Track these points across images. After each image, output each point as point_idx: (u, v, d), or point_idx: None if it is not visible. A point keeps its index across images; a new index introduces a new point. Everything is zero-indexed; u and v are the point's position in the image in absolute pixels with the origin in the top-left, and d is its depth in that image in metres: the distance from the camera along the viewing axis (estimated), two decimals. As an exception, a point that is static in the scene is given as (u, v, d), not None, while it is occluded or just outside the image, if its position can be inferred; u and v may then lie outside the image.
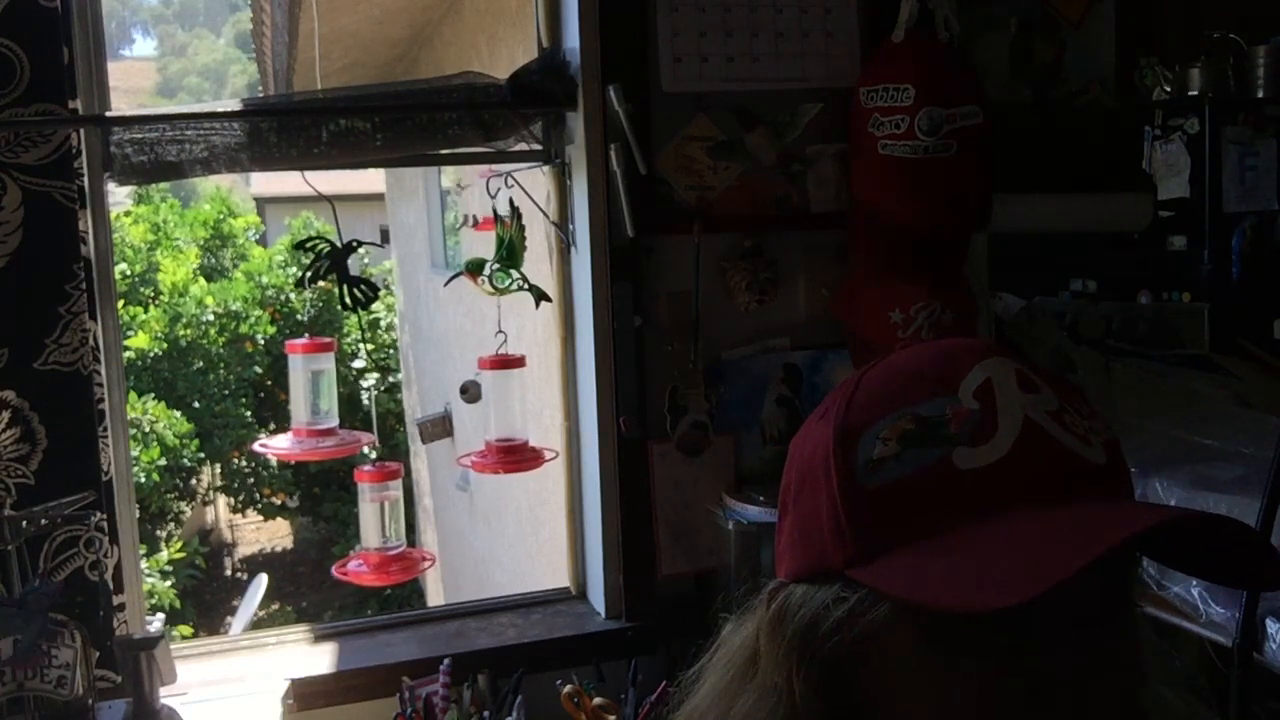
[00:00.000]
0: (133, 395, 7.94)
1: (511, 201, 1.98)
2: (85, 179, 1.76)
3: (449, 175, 6.29)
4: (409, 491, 8.20)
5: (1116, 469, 0.61)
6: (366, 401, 8.72)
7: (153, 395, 8.50)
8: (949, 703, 0.60)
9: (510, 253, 1.96)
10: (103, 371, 1.78)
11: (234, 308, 9.48)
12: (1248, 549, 0.61)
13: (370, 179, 9.78)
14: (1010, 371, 0.62)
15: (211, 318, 9.37)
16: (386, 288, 9.90)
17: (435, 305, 6.83)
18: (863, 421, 0.63)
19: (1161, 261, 2.50)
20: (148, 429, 8.13)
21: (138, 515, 1.96)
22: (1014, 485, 0.59)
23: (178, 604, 7.53)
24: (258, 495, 10.08)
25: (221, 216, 10.78)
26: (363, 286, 1.89)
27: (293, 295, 9.77)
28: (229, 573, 11.45)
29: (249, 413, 9.62)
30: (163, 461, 8.26)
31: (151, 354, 9.02)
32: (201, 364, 9.29)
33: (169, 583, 7.45)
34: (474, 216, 2.14)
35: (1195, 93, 2.48)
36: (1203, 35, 2.53)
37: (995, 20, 2.32)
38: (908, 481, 0.60)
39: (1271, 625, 1.38)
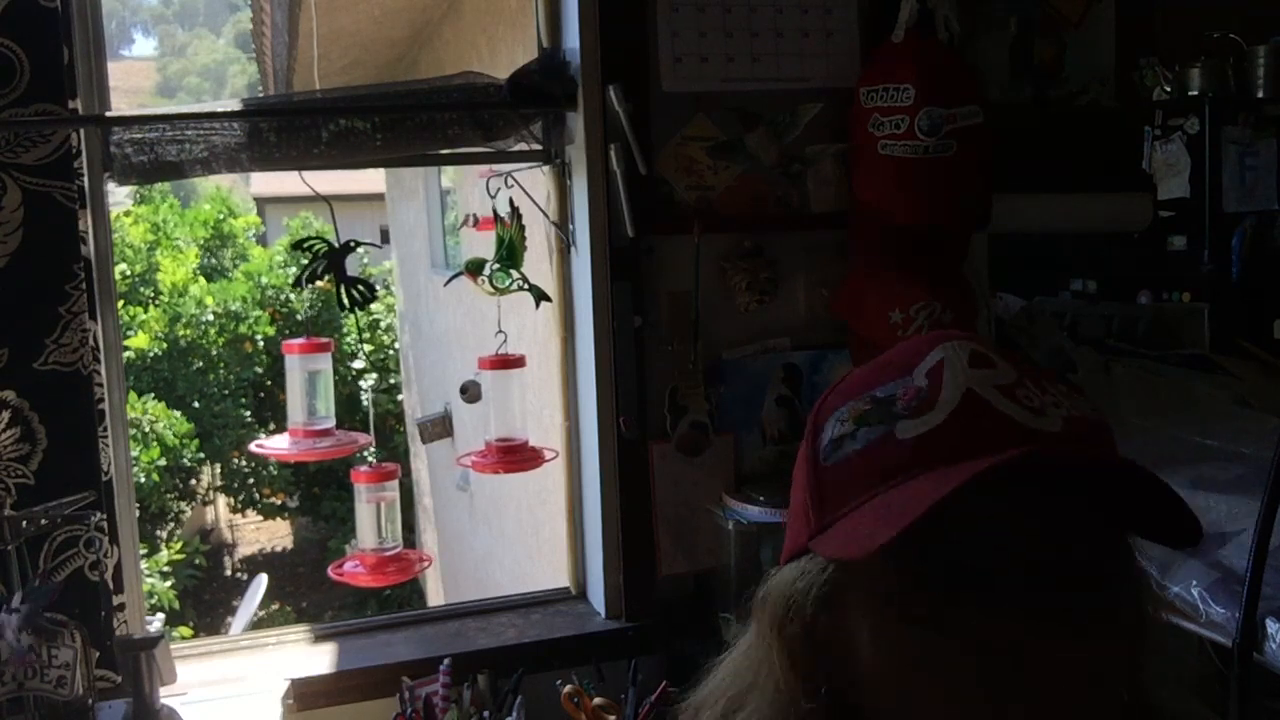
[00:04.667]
0: (133, 395, 7.93)
1: (511, 201, 1.98)
2: (85, 179, 1.76)
3: (449, 175, 6.29)
4: (409, 492, 8.19)
5: (1073, 441, 0.61)
6: (366, 402, 8.72)
7: (153, 395, 8.49)
8: (889, 662, 0.62)
9: (510, 253, 1.96)
10: (103, 371, 1.78)
11: (234, 308, 9.47)
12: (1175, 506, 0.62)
13: (370, 179, 9.77)
14: (965, 351, 0.64)
15: (211, 318, 9.36)
16: (386, 288, 9.90)
17: (435, 305, 6.82)
18: (832, 408, 0.68)
19: (1161, 261, 2.49)
20: (148, 429, 8.13)
21: (138, 515, 1.96)
22: (943, 448, 0.61)
23: (177, 605, 7.52)
24: (258, 495, 10.07)
25: (221, 216, 10.77)
26: (360, 287, 1.89)
27: (292, 295, 9.77)
28: (229, 573, 11.44)
29: (249, 413, 9.61)
30: (163, 461, 8.25)
31: (151, 354, 9.01)
32: (201, 364, 9.28)
33: (169, 583, 7.44)
34: (474, 216, 2.14)
35: (1195, 93, 2.48)
36: (1203, 35, 2.53)
37: (995, 20, 2.32)
38: (859, 455, 0.64)
39: (1271, 625, 1.38)
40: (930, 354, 0.65)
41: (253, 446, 2.08)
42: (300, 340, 1.94)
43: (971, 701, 0.59)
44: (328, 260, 1.86)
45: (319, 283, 1.88)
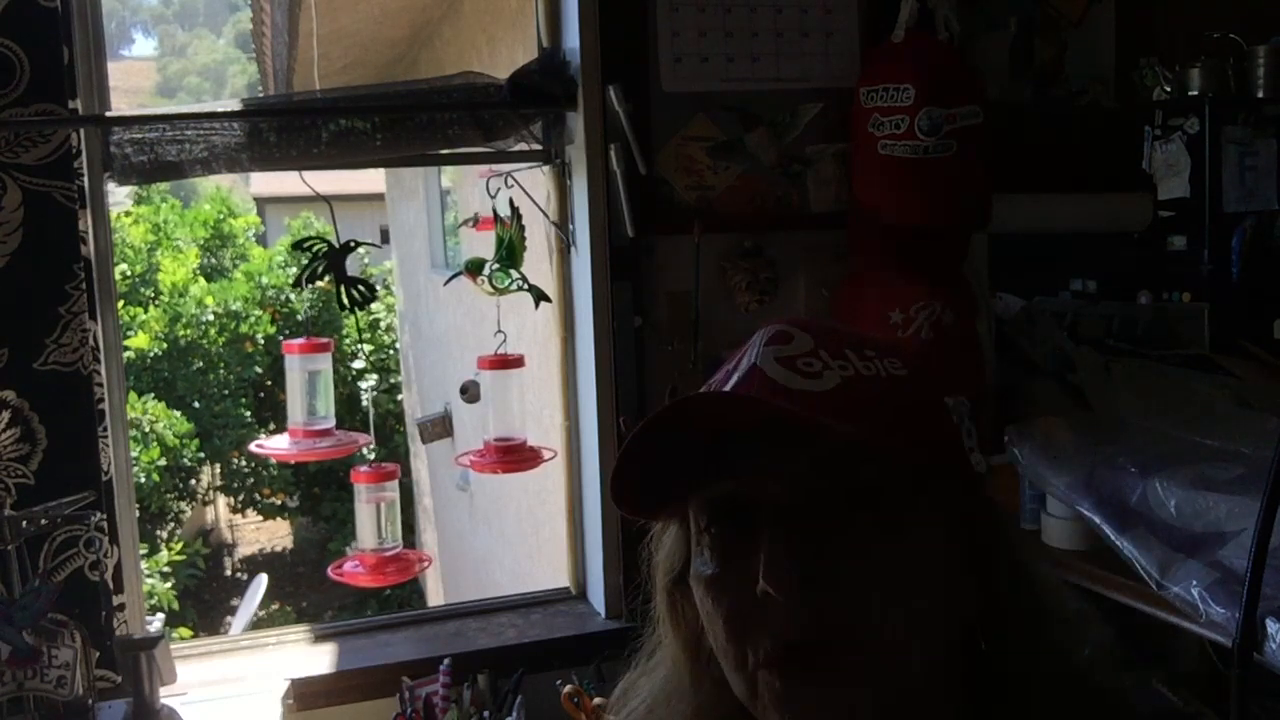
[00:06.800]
0: (133, 395, 7.92)
1: (511, 201, 1.98)
2: (85, 179, 1.76)
3: (449, 175, 6.29)
4: (409, 492, 8.19)
5: (844, 396, 0.65)
6: (365, 402, 8.72)
7: (153, 395, 8.49)
8: (699, 598, 0.68)
9: (510, 253, 1.96)
10: (103, 371, 1.78)
11: (234, 308, 9.47)
12: None
13: (370, 179, 9.76)
14: (770, 331, 0.69)
15: (211, 318, 9.36)
16: (386, 288, 9.89)
17: (435, 305, 6.82)
18: None
19: (1161, 261, 2.49)
20: (148, 429, 8.12)
21: (138, 515, 1.96)
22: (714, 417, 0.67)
23: (177, 605, 7.52)
24: (258, 495, 10.07)
25: (221, 216, 10.76)
26: (360, 287, 1.89)
27: (293, 295, 9.76)
28: (229, 573, 11.43)
29: (249, 413, 9.60)
30: (163, 461, 8.24)
31: (151, 354, 9.00)
32: (201, 364, 9.27)
33: (169, 583, 7.43)
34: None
35: (1195, 93, 2.47)
36: (1203, 35, 2.52)
37: (995, 20, 2.32)
38: None
39: (1271, 625, 1.38)
40: (752, 339, 0.70)
41: (253, 446, 2.09)
42: (300, 340, 1.94)
43: (740, 622, 0.65)
44: (328, 260, 1.86)
45: (319, 283, 1.88)
